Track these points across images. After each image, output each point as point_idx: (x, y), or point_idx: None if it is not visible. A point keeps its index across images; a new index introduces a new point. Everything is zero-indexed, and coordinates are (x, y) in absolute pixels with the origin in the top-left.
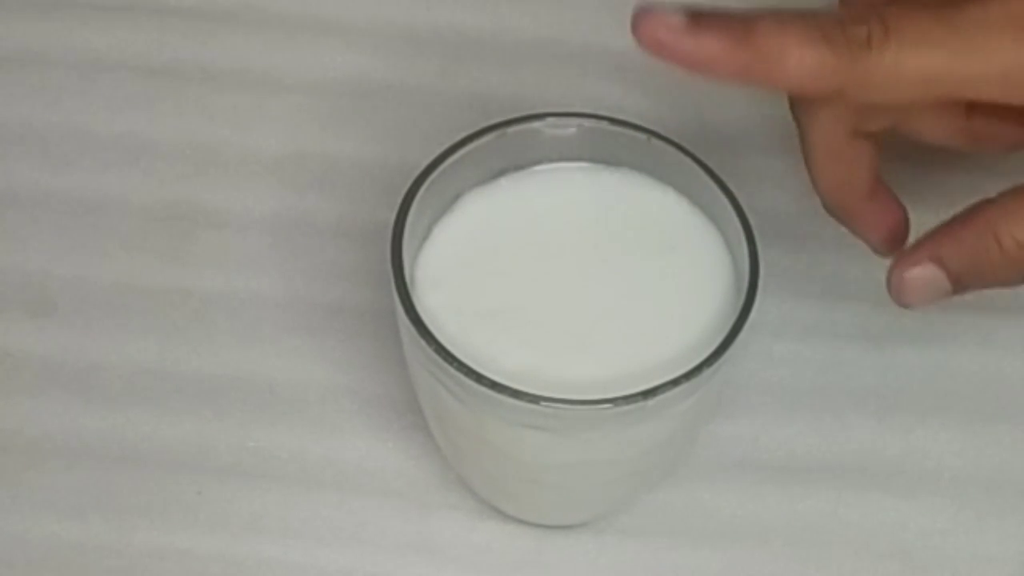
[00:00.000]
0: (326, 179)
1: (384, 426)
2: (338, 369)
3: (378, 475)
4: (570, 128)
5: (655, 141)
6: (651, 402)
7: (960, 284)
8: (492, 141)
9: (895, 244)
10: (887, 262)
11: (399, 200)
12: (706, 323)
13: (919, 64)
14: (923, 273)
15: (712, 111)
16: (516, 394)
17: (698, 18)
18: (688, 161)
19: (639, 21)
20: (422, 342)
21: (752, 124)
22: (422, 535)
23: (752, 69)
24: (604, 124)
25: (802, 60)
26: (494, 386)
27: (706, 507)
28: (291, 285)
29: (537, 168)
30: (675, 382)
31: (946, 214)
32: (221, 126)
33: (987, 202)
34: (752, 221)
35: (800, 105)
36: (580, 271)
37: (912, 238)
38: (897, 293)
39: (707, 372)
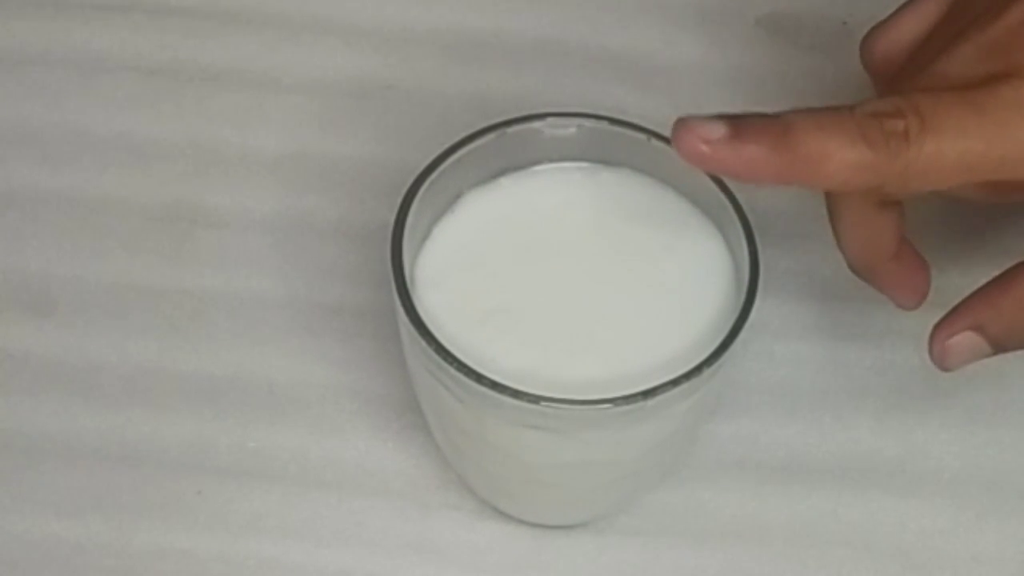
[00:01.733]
0: (326, 179)
1: (384, 426)
2: (338, 369)
3: (378, 475)
4: (570, 128)
5: (655, 141)
6: (651, 402)
7: (1000, 347)
8: (492, 141)
9: (918, 301)
10: None
11: (399, 200)
12: (706, 323)
13: (957, 153)
14: (963, 340)
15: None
16: (516, 394)
17: (736, 127)
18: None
19: (679, 134)
20: (422, 342)
21: None
22: (422, 535)
23: (794, 173)
24: (604, 124)
25: (843, 161)
26: (494, 386)
27: (706, 507)
28: (291, 285)
29: (537, 168)
30: (675, 382)
31: (971, 261)
32: (221, 126)
33: (1021, 267)
34: (752, 221)
35: None
36: (580, 271)
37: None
38: (940, 359)
39: (707, 372)
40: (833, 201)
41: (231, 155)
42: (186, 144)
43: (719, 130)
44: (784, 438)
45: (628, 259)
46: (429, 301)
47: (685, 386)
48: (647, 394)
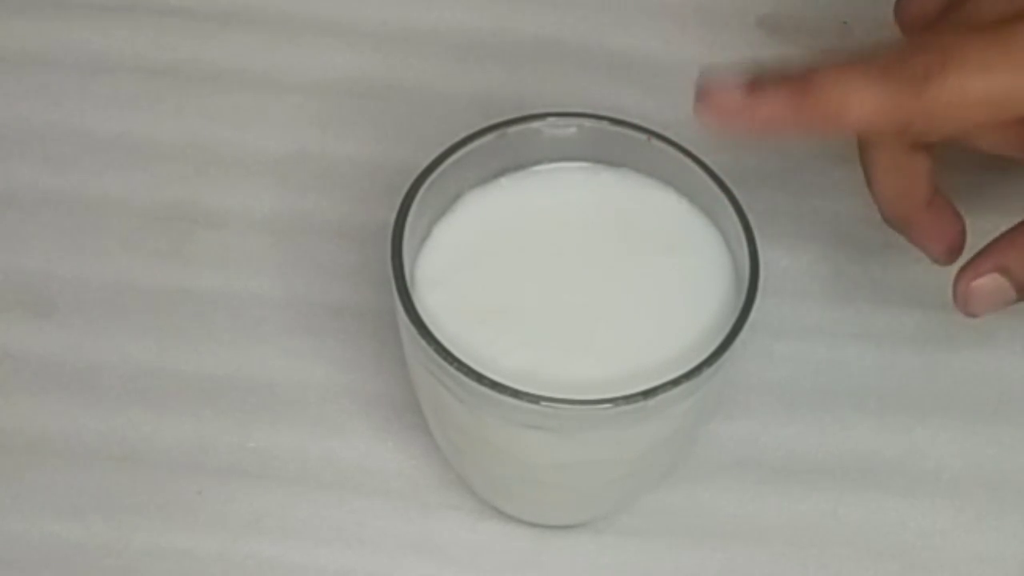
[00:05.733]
0: (326, 179)
1: (384, 426)
2: (338, 369)
3: (378, 475)
4: (570, 128)
5: (655, 141)
6: (651, 402)
7: None
8: (492, 141)
9: (954, 254)
10: (885, 261)
11: (399, 200)
12: (706, 323)
13: (981, 88)
14: (988, 283)
15: None
16: (516, 394)
17: (756, 83)
18: (688, 161)
19: (702, 98)
20: (422, 342)
21: None
22: (422, 535)
23: (817, 121)
24: (604, 124)
25: (864, 103)
26: (494, 386)
27: (706, 507)
28: (291, 285)
29: (537, 168)
30: (675, 382)
31: (1002, 220)
32: (221, 126)
33: None
34: (752, 221)
35: None
36: (580, 271)
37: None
38: (963, 302)
39: (707, 372)
40: (865, 148)
41: (231, 155)
42: (186, 144)
43: (739, 89)
44: (784, 438)
45: (628, 259)
46: (429, 301)
47: (685, 386)
48: (647, 394)
